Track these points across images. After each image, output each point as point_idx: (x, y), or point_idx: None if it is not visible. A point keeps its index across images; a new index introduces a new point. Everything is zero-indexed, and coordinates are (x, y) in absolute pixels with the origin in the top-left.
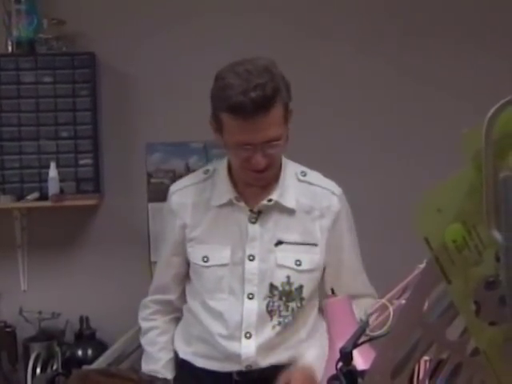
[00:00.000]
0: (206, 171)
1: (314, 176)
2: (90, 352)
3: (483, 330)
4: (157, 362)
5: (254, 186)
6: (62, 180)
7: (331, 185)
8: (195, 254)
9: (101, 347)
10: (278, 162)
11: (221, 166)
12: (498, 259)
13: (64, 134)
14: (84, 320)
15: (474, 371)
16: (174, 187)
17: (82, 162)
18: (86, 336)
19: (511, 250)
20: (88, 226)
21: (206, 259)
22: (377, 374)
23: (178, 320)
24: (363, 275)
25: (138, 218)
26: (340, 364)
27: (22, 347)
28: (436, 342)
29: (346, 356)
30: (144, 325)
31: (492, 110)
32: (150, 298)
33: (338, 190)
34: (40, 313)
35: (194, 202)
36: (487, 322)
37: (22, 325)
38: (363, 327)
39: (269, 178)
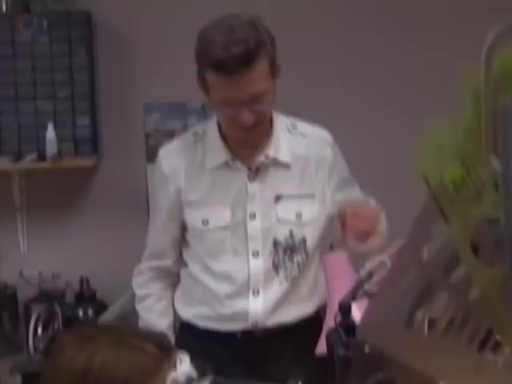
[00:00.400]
0: (196, 133)
1: (305, 127)
2: (90, 312)
3: (481, 270)
4: (155, 330)
5: (246, 145)
6: (59, 141)
7: (323, 134)
8: (194, 217)
9: (101, 307)
10: (267, 118)
11: (210, 128)
12: (496, 188)
13: (61, 95)
14: (84, 281)
15: (473, 314)
16: (163, 152)
17: (79, 122)
18: (87, 296)
19: (509, 177)
20: (87, 187)
21: (205, 222)
22: (374, 313)
23: (174, 285)
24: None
25: (136, 179)
26: (339, 317)
27: (23, 308)
28: (434, 283)
29: (345, 309)
30: (139, 292)
31: (490, 36)
32: (144, 264)
33: (329, 138)
34: (40, 274)
35: (186, 165)
36: (485, 263)
37: (23, 286)
38: (361, 281)
39: (259, 135)
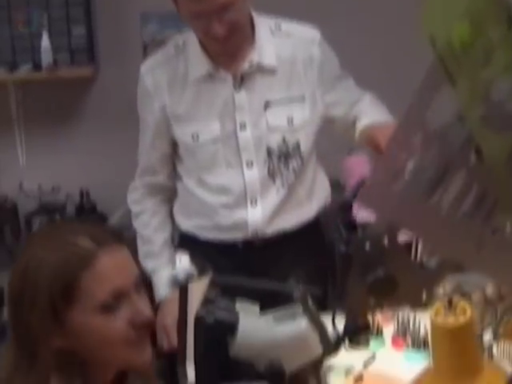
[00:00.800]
0: (176, 46)
1: (290, 26)
2: None
3: (489, 137)
4: (153, 244)
5: (226, 55)
6: (55, 51)
7: (309, 32)
8: (183, 133)
9: (101, 219)
10: (243, 25)
11: (191, 38)
12: (510, 24)
13: (55, 2)
14: (84, 193)
15: (476, 180)
16: (144, 67)
17: (75, 32)
18: (87, 209)
19: None
20: (84, 98)
21: (195, 137)
22: (377, 178)
23: (169, 200)
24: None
25: (134, 89)
26: (340, 215)
27: (24, 221)
28: (437, 148)
29: (346, 207)
30: (134, 208)
31: None
32: (138, 180)
33: (316, 35)
34: (40, 187)
35: (169, 80)
36: (494, 129)
37: (23, 199)
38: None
39: (237, 44)
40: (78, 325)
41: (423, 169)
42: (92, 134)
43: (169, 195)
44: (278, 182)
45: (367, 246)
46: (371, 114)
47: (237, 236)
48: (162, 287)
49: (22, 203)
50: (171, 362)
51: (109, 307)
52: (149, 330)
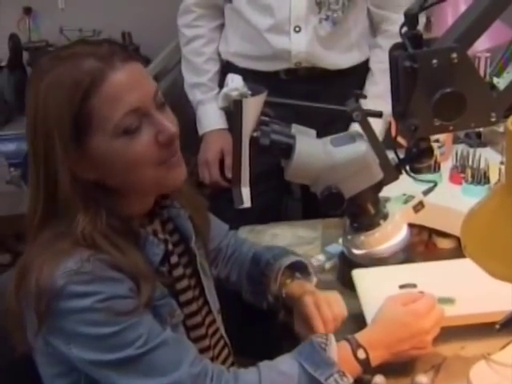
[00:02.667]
0: None
1: None
2: None
3: None
4: (203, 75)
5: None
6: None
7: None
8: None
9: (145, 62)
10: None
11: None
12: None
13: None
14: (126, 36)
15: None
16: None
17: None
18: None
19: None
20: None
21: None
22: None
23: (223, 26)
24: None
25: None
26: (404, 28)
27: None
28: None
29: (412, 19)
30: (187, 33)
31: None
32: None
33: None
34: (81, 31)
35: None
36: None
37: (64, 43)
38: None
39: None
40: (102, 151)
41: None
42: None
43: (223, 21)
44: (323, 12)
45: (434, 61)
46: None
47: (279, 65)
48: (207, 120)
49: None
50: (213, 197)
51: (129, 128)
52: (176, 148)
